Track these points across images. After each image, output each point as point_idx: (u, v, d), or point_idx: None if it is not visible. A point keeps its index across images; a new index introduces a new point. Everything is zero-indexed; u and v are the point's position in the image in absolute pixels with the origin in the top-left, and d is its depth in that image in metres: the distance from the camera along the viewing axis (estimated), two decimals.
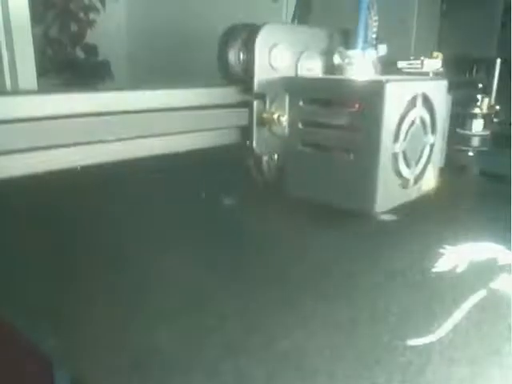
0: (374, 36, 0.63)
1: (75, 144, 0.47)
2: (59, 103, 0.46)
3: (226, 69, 0.59)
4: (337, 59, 0.64)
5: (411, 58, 0.88)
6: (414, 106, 0.57)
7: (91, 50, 2.15)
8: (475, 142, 0.89)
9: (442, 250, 0.54)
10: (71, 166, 0.49)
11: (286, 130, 0.61)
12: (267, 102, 0.58)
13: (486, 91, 0.96)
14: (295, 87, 0.60)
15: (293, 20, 1.20)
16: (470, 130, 0.89)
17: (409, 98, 0.56)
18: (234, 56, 0.58)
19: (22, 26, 1.26)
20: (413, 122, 0.58)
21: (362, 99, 0.55)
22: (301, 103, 0.60)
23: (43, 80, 1.66)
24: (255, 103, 0.58)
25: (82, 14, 2.11)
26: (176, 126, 0.55)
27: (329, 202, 0.60)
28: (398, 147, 0.56)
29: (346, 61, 0.63)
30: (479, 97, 0.97)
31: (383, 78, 0.56)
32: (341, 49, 0.64)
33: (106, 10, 2.13)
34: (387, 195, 0.57)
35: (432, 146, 0.62)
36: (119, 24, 2.21)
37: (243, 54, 0.57)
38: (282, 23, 0.58)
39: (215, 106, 0.57)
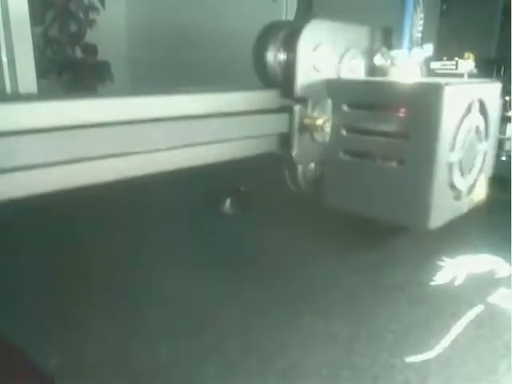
0: (420, 35, 0.58)
1: (110, 155, 0.41)
2: (84, 110, 0.40)
3: (263, 70, 0.53)
4: (379, 60, 0.58)
5: (444, 58, 0.83)
6: (469, 112, 0.52)
7: (91, 50, 2.10)
8: (508, 146, 0.84)
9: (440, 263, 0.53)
10: (111, 178, 0.43)
11: (328, 137, 0.55)
12: (309, 107, 0.53)
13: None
14: (339, 90, 0.54)
15: (296, 18, 1.15)
16: (504, 133, 0.84)
17: (467, 103, 0.50)
18: (274, 56, 0.52)
19: (21, 26, 1.22)
20: (469, 129, 0.52)
21: (416, 104, 0.49)
22: (345, 108, 0.54)
23: (43, 81, 1.61)
24: (297, 108, 0.52)
25: (81, 14, 2.06)
26: (210, 134, 0.49)
27: (373, 215, 0.55)
28: (454, 156, 0.51)
29: (390, 62, 0.57)
30: (507, 98, 0.91)
31: (439, 80, 0.51)
32: (384, 49, 0.58)
33: (105, 9, 2.09)
34: (441, 209, 0.52)
35: (485, 154, 0.56)
36: (119, 24, 2.17)
37: (285, 54, 0.52)
38: (326, 20, 0.52)
39: (253, 111, 0.51)
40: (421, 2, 0.57)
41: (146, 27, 2.08)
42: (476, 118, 0.53)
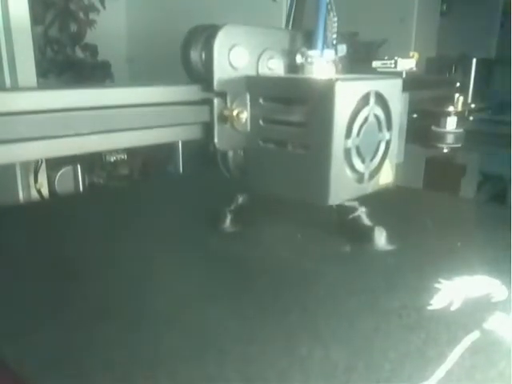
0: (334, 36, 0.68)
1: (46, 137, 0.53)
2: (32, 99, 0.51)
3: (189, 68, 0.64)
4: (299, 59, 0.68)
5: (385, 57, 0.93)
6: (366, 104, 0.61)
7: (91, 50, 2.20)
8: (449, 139, 0.93)
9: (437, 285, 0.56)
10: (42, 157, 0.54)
11: (248, 127, 0.65)
12: (228, 100, 0.63)
13: (463, 90, 1.00)
14: (255, 85, 0.64)
15: (287, 20, 1.25)
16: (444, 127, 0.93)
17: (360, 95, 0.60)
18: (196, 56, 0.63)
19: (21, 26, 1.29)
20: (366, 119, 0.62)
21: (313, 97, 0.59)
22: (261, 101, 0.64)
23: (43, 81, 1.71)
24: (215, 101, 0.62)
25: (81, 14, 2.16)
26: (140, 121, 0.60)
27: (287, 195, 0.65)
28: (351, 143, 0.61)
29: (307, 60, 0.67)
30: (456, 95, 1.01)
31: (335, 76, 0.61)
32: (303, 49, 0.68)
33: (105, 9, 2.19)
34: (341, 188, 0.62)
35: (388, 142, 0.66)
36: (119, 24, 2.27)
37: (204, 53, 0.62)
38: (241, 24, 0.63)
39: (179, 102, 0.62)
40: (333, 7, 0.67)
41: (146, 27, 2.18)
42: (374, 110, 0.63)
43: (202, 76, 0.63)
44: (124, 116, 0.58)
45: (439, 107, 0.96)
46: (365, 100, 0.61)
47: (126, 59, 2.26)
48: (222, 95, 0.63)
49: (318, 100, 0.59)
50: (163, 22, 2.03)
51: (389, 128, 0.65)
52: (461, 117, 0.95)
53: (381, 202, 0.69)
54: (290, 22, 1.19)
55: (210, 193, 0.89)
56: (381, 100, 0.63)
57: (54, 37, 2.12)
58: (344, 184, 0.62)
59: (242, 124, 0.64)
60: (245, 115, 0.63)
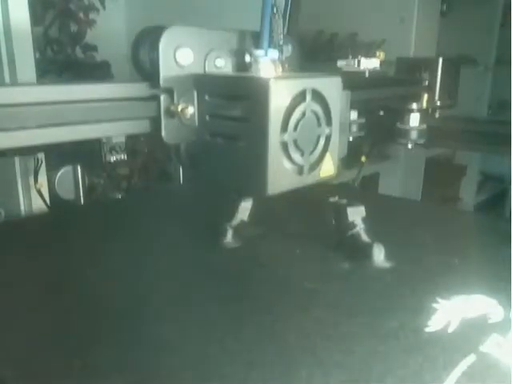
0: (281, 37, 0.74)
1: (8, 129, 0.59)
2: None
3: (139, 66, 0.70)
4: (247, 58, 0.74)
5: (350, 56, 0.98)
6: (303, 100, 0.67)
7: (91, 50, 2.28)
8: (413, 135, 0.99)
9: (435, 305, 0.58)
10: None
11: (196, 122, 0.71)
12: (175, 96, 0.69)
13: (430, 88, 1.05)
14: (201, 83, 0.71)
15: (283, 19, 1.31)
16: (408, 124, 0.99)
17: (295, 93, 0.66)
18: (144, 55, 0.69)
19: (21, 26, 1.34)
20: (303, 114, 0.68)
21: (252, 94, 0.65)
22: (206, 97, 0.70)
23: (43, 81, 1.79)
24: (162, 97, 0.69)
25: (81, 14, 2.24)
26: (92, 115, 0.67)
27: (232, 186, 0.71)
28: (287, 136, 0.66)
29: (255, 60, 0.73)
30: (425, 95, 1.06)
31: (271, 75, 0.67)
32: (251, 49, 0.74)
33: (105, 9, 2.27)
34: (279, 180, 0.67)
35: (328, 136, 0.72)
36: (119, 24, 2.34)
37: (152, 53, 0.69)
38: (186, 26, 0.70)
39: (128, 98, 0.69)
40: (279, 9, 0.73)
41: None
42: (311, 106, 0.68)
43: (150, 74, 0.70)
44: (76, 110, 0.65)
45: (405, 105, 1.01)
46: (301, 96, 0.67)
47: (126, 59, 2.32)
48: (169, 91, 0.69)
49: (256, 97, 0.65)
50: (163, 22, 2.09)
51: (328, 123, 0.71)
52: (425, 114, 1.00)
53: (380, 216, 0.73)
54: (286, 25, 1.25)
55: (210, 196, 0.94)
56: (318, 97, 0.69)
57: (54, 37, 2.19)
58: (282, 175, 0.68)
59: (187, 119, 0.70)
60: (190, 110, 0.69)
